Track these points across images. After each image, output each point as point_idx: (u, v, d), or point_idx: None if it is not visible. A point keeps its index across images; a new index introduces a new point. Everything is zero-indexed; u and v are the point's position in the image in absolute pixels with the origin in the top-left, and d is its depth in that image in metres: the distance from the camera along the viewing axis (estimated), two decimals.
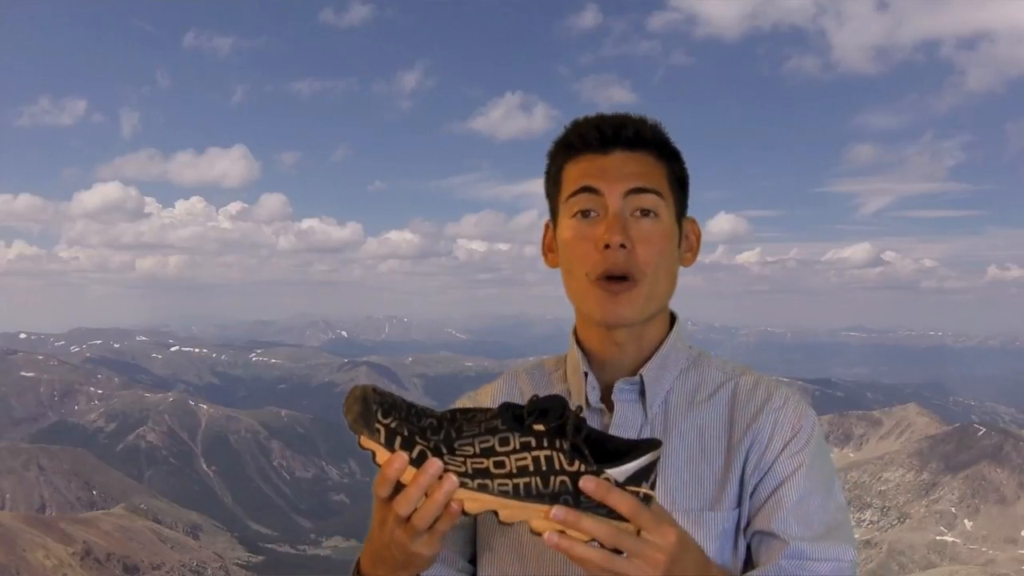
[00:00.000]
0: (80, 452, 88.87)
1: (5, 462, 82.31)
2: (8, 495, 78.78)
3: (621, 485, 0.97)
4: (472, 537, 1.34)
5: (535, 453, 0.97)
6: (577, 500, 0.96)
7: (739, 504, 1.24)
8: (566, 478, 0.97)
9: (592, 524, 0.96)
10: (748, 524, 1.24)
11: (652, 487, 0.99)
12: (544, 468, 0.97)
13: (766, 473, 1.24)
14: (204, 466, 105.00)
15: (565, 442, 0.97)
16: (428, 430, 1.00)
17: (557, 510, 0.96)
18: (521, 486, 0.98)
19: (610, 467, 0.97)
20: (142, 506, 72.08)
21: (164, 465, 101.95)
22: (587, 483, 0.95)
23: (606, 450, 0.99)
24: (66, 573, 51.90)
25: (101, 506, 73.88)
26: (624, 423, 1.28)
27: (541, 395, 1.00)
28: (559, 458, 0.97)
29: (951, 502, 74.16)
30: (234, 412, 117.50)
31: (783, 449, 1.24)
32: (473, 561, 1.34)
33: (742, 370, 1.35)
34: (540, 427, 0.98)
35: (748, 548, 1.25)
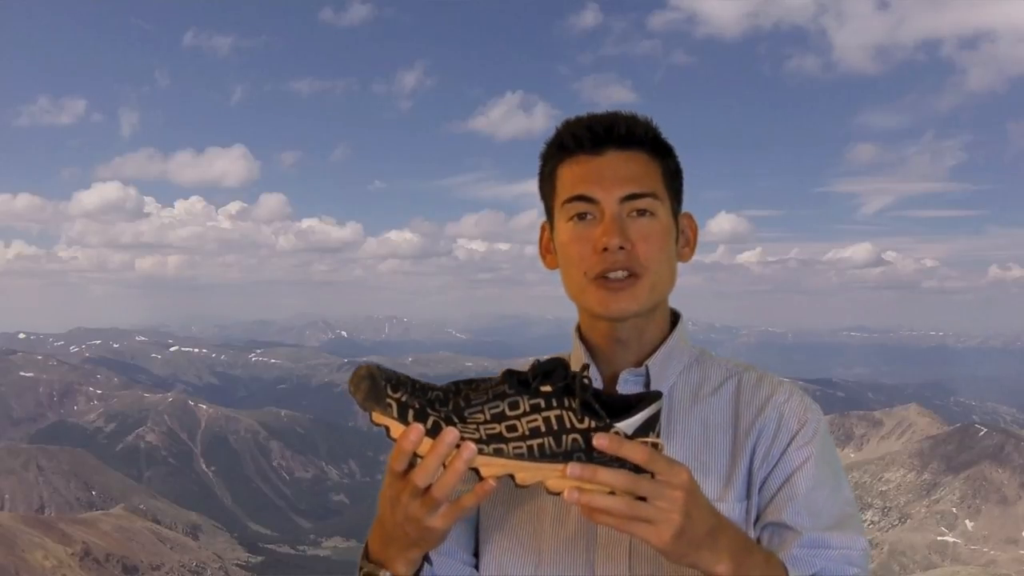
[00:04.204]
0: (79, 452, 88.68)
1: (5, 462, 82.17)
2: (7, 495, 78.64)
3: (630, 437, 1.00)
4: (475, 529, 1.35)
5: (545, 414, 1.00)
6: (590, 456, 0.99)
7: (747, 496, 1.26)
8: (578, 435, 0.99)
9: (609, 475, 0.98)
10: (758, 518, 1.25)
11: (658, 436, 1.03)
12: (556, 428, 1.00)
13: (774, 466, 1.25)
14: (203, 466, 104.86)
15: (573, 401, 1.00)
16: (436, 402, 1.01)
17: (572, 467, 0.98)
18: (535, 447, 1.00)
19: (618, 421, 1.00)
20: (141, 506, 72.06)
21: (163, 465, 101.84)
22: (600, 439, 0.98)
23: (608, 406, 1.02)
24: (65, 573, 51.78)
25: (100, 506, 73.75)
26: None
27: None
28: (569, 417, 1.00)
29: (952, 502, 74.04)
30: (234, 412, 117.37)
31: (790, 442, 1.25)
32: (477, 553, 1.35)
33: (744, 367, 1.36)
34: (547, 388, 1.00)
35: (758, 541, 1.25)
